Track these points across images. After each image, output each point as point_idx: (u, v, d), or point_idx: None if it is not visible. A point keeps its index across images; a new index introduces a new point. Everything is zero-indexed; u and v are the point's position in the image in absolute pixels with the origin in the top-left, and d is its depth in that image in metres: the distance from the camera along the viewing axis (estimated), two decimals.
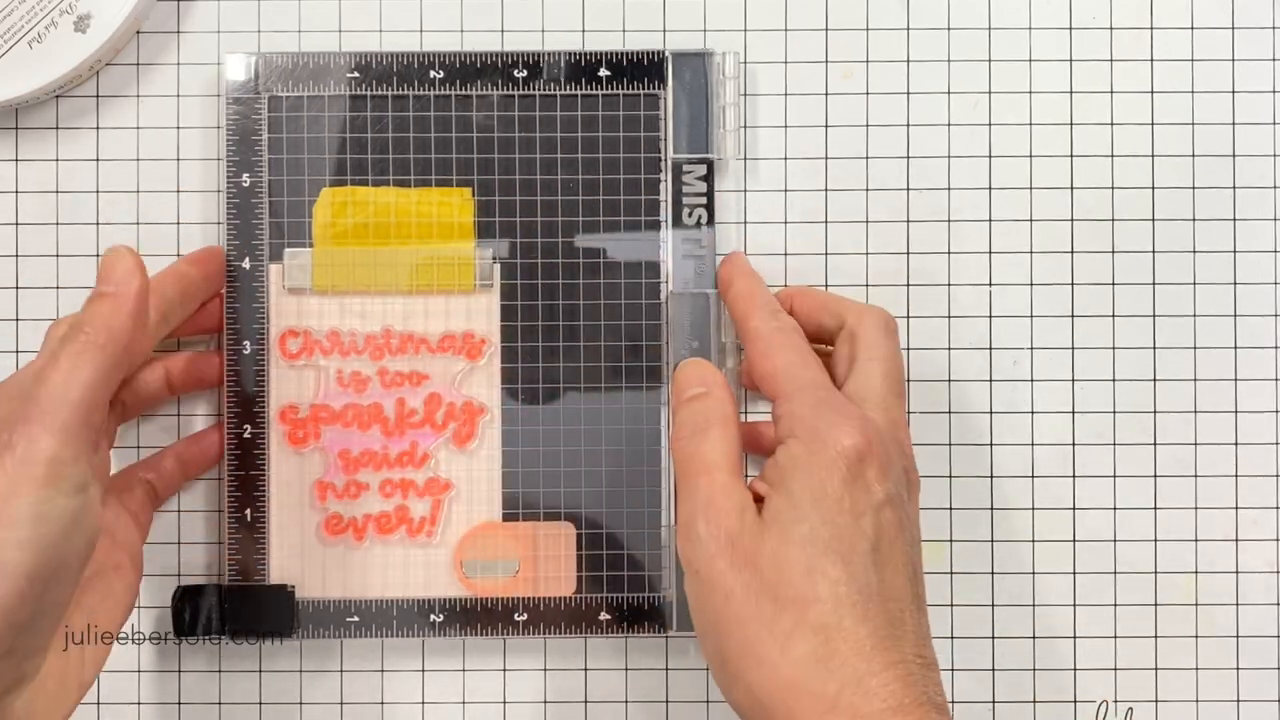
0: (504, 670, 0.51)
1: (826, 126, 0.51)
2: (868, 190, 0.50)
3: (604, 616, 0.49)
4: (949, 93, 0.51)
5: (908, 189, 0.51)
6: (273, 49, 0.50)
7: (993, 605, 0.50)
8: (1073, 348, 0.50)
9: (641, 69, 0.50)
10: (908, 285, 0.51)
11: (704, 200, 0.50)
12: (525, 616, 0.49)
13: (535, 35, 0.51)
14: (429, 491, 0.50)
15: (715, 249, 0.50)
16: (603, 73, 0.50)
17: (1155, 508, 0.50)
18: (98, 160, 0.51)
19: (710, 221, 0.50)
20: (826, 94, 0.51)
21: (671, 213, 0.50)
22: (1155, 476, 0.50)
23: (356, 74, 0.50)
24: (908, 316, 0.50)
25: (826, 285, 0.51)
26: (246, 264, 0.49)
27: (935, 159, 0.50)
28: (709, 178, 0.50)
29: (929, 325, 0.50)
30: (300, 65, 0.50)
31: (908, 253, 0.51)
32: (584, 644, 0.51)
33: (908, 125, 0.51)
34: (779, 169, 0.50)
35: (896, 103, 0.51)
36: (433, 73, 0.50)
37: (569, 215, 0.50)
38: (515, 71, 0.50)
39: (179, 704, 0.50)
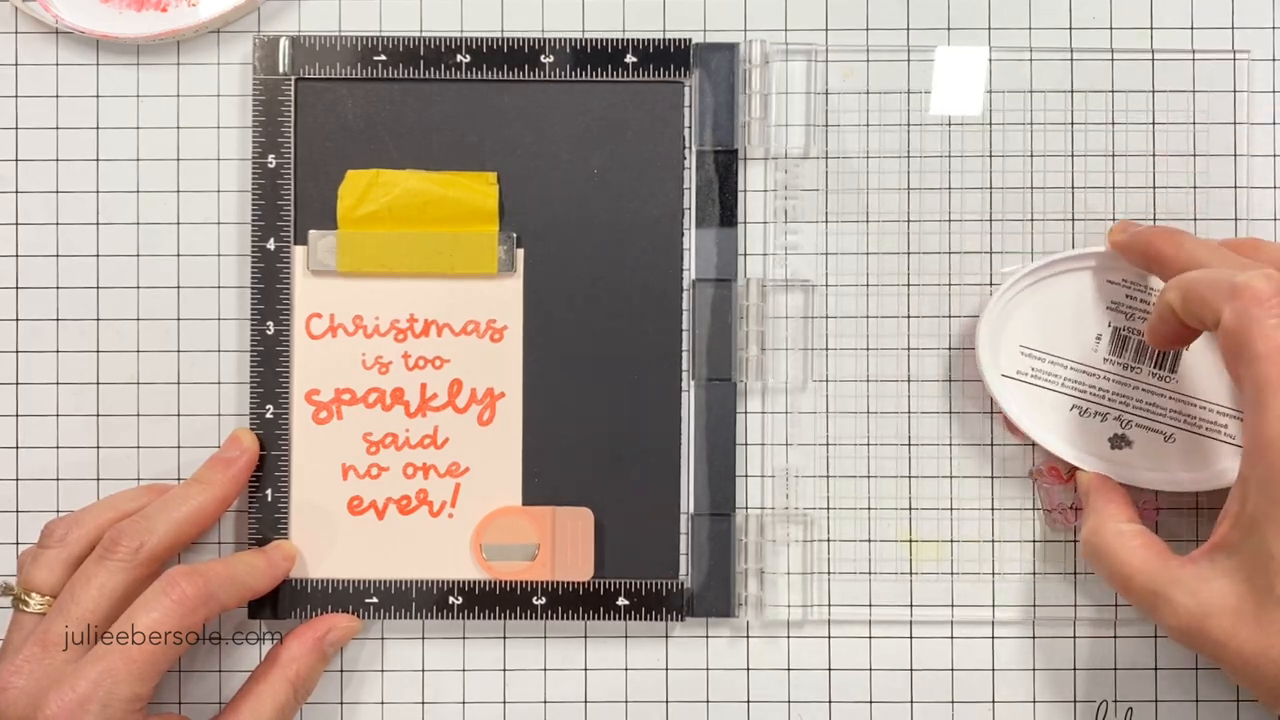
0: (504, 670, 0.51)
1: (826, 126, 0.51)
2: (866, 190, 0.50)
3: (622, 602, 0.50)
4: (949, 93, 0.51)
5: (908, 189, 0.50)
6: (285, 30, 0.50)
7: (993, 605, 0.50)
8: None
9: (668, 56, 0.50)
10: (908, 285, 0.51)
11: (728, 190, 0.50)
12: (544, 600, 0.50)
13: (573, 34, 0.51)
14: (450, 474, 0.50)
15: (738, 238, 0.50)
16: (629, 59, 0.50)
17: (1156, 507, 0.50)
18: (98, 160, 0.51)
19: (734, 211, 0.50)
20: (827, 93, 0.51)
21: (695, 201, 0.50)
22: None
23: (384, 57, 0.50)
24: (908, 316, 0.50)
25: (827, 285, 0.51)
26: (271, 245, 0.50)
27: (936, 158, 0.50)
28: (733, 168, 0.50)
29: (929, 325, 0.50)
30: (328, 48, 0.50)
31: (908, 252, 0.51)
32: (584, 644, 0.51)
33: (906, 125, 0.50)
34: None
35: (897, 100, 0.51)
36: (460, 57, 0.50)
37: (593, 201, 0.50)
38: (542, 56, 0.50)
39: (179, 703, 0.50)
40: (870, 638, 0.50)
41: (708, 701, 0.51)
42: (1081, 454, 0.49)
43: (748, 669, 0.51)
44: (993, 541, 0.50)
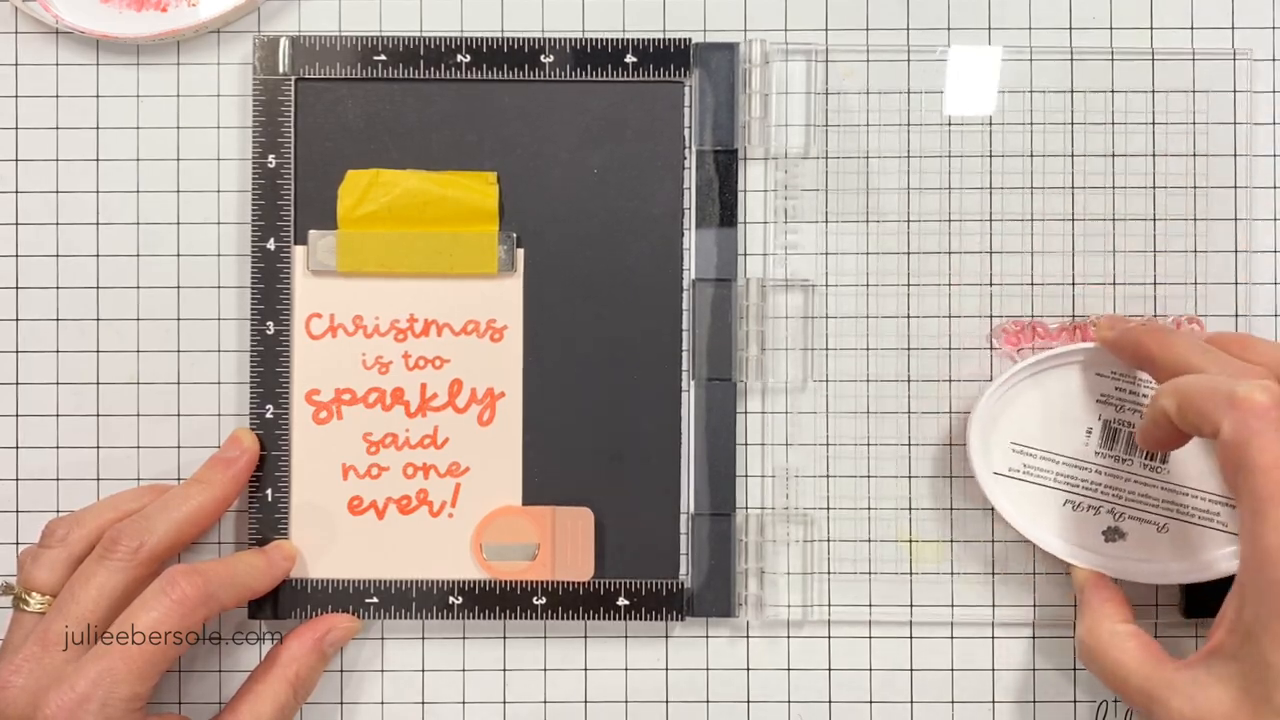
0: (504, 670, 0.51)
1: (826, 126, 0.51)
2: (866, 190, 0.50)
3: (622, 602, 0.50)
4: (949, 93, 0.51)
5: (908, 189, 0.50)
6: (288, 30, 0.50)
7: (993, 605, 0.50)
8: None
9: (668, 56, 0.50)
10: (908, 285, 0.51)
11: (728, 189, 0.50)
12: (544, 600, 0.50)
13: (573, 34, 0.51)
14: (450, 474, 0.50)
15: (738, 238, 0.50)
16: (629, 59, 0.50)
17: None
18: (98, 160, 0.51)
19: (734, 211, 0.50)
20: (827, 93, 0.51)
21: (695, 201, 0.50)
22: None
23: (384, 57, 0.50)
24: (908, 316, 0.50)
25: (826, 285, 0.51)
26: (271, 245, 0.50)
27: (936, 158, 0.50)
28: (733, 167, 0.50)
29: (929, 325, 0.50)
30: (328, 48, 0.50)
31: (907, 252, 0.51)
32: (584, 644, 0.51)
33: (907, 125, 0.50)
34: (795, 166, 0.51)
35: (898, 101, 0.51)
36: (460, 56, 0.50)
37: (593, 201, 0.50)
38: (542, 56, 0.50)
39: (179, 703, 0.50)
40: (870, 638, 0.50)
41: (708, 701, 0.51)
42: (1075, 549, 0.49)
43: (748, 669, 0.51)
44: (992, 542, 0.50)
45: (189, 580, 0.44)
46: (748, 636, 0.51)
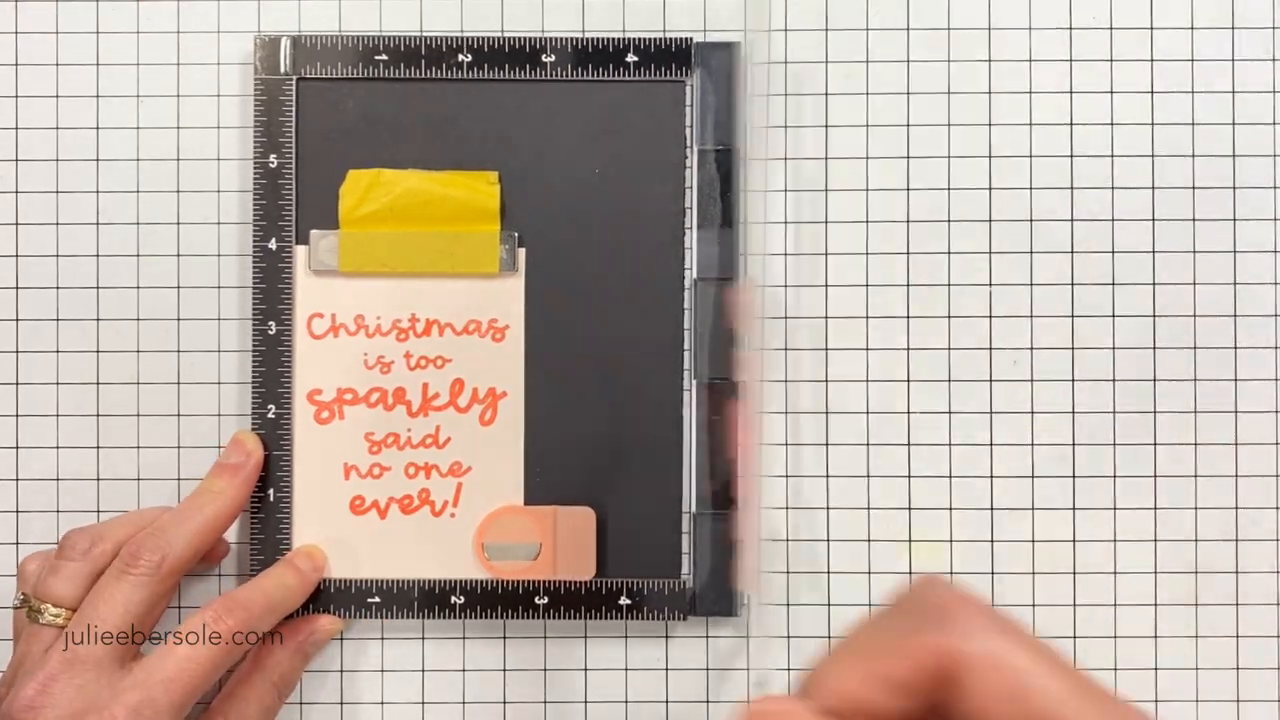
0: (504, 670, 0.51)
1: (826, 126, 0.51)
2: (867, 190, 0.51)
3: (624, 601, 0.50)
4: (949, 93, 0.51)
5: (908, 189, 0.51)
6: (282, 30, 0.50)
7: (992, 606, 0.50)
8: (1073, 348, 0.51)
9: (669, 56, 0.50)
10: (908, 285, 0.51)
11: (729, 189, 0.50)
12: (546, 600, 0.50)
13: (573, 34, 0.51)
14: (451, 474, 0.50)
15: (739, 237, 0.50)
16: (630, 59, 0.50)
17: (1155, 508, 0.50)
18: (98, 160, 0.51)
19: (735, 210, 0.50)
20: (827, 94, 0.51)
21: (696, 200, 0.50)
22: (1155, 476, 0.50)
23: (385, 57, 0.50)
24: (908, 316, 0.51)
25: (827, 284, 0.51)
26: (273, 245, 0.50)
27: (935, 159, 0.51)
28: (734, 167, 0.50)
29: (929, 325, 0.50)
30: (329, 47, 0.50)
31: (908, 253, 0.51)
32: (585, 644, 0.51)
33: (907, 125, 0.51)
34: (786, 166, 0.51)
35: (897, 102, 0.51)
36: (461, 56, 0.50)
37: (594, 200, 0.50)
38: (543, 56, 0.50)
39: None
40: None
41: (708, 701, 0.51)
42: None
43: (748, 668, 0.51)
44: (991, 542, 0.50)
45: (232, 616, 0.45)
46: (748, 636, 0.51)
